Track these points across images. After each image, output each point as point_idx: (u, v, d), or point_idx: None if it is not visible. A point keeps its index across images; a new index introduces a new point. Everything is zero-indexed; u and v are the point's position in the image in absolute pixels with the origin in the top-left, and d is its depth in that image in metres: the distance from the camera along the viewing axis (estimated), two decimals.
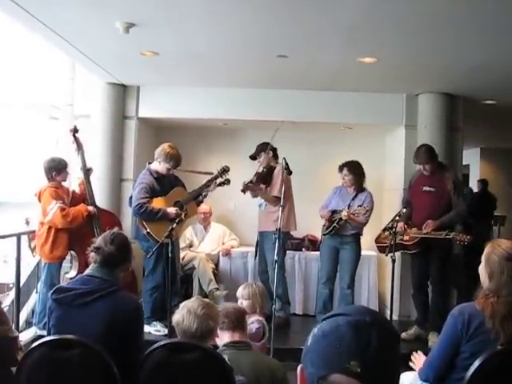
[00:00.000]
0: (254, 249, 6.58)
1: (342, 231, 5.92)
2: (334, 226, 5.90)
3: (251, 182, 6.19)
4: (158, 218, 5.61)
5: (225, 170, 6.01)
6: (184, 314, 2.85)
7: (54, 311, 3.16)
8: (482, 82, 5.99)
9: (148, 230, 5.62)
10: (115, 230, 3.42)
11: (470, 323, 2.77)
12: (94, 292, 3.09)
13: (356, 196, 6.01)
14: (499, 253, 2.84)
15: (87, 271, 3.27)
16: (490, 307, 2.74)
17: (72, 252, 5.65)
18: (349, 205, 5.94)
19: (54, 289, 3.23)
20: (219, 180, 6.00)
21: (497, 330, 2.71)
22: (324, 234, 6.11)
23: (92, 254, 3.23)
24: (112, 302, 3.09)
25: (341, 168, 6.06)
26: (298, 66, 5.64)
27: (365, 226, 6.01)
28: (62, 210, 5.47)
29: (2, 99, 9.67)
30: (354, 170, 6.00)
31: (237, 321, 3.15)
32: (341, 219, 5.83)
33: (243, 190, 6.16)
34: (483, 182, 10.71)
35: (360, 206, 5.85)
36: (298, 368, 1.22)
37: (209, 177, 6.01)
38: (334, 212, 5.99)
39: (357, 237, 6.01)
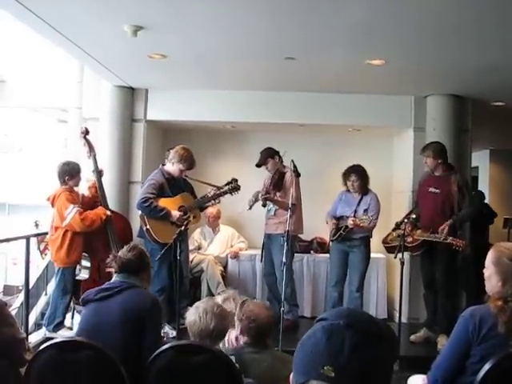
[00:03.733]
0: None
1: (351, 235, 5.92)
2: (341, 233, 5.91)
3: (267, 192, 6.17)
4: (161, 216, 5.63)
5: (235, 189, 6.01)
6: (200, 313, 2.88)
7: (82, 313, 3.44)
8: (491, 83, 5.97)
9: (148, 227, 5.64)
10: (132, 243, 3.74)
11: (482, 326, 2.73)
12: (114, 288, 3.30)
13: (361, 199, 6.00)
14: (509, 255, 2.80)
15: (112, 280, 3.47)
16: (509, 312, 2.70)
17: (85, 254, 5.65)
18: (355, 210, 5.94)
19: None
20: (228, 186, 6.01)
21: None
22: (332, 240, 6.11)
23: (113, 264, 3.45)
24: (129, 295, 3.27)
25: (347, 175, 6.03)
26: (305, 68, 5.64)
27: (373, 229, 6.00)
28: (81, 213, 5.46)
29: (11, 102, 9.72)
30: (361, 174, 5.99)
31: (265, 331, 3.12)
32: (347, 227, 5.83)
33: (264, 205, 6.15)
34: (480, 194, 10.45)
35: (366, 210, 5.86)
36: (291, 375, 1.22)
37: (218, 186, 6.02)
38: (340, 218, 5.99)
39: (366, 240, 6.00)
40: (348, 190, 6.12)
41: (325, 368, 1.11)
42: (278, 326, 5.02)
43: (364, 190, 6.04)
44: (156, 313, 3.30)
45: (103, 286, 3.35)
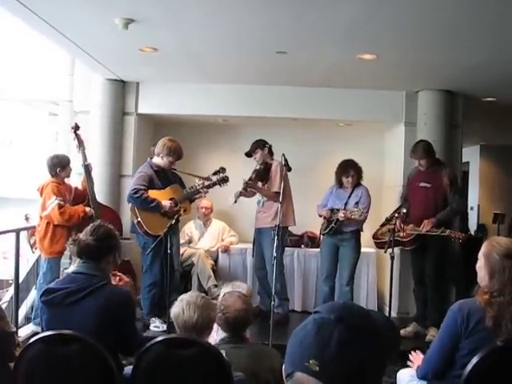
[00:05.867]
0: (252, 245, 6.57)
1: (342, 228, 5.92)
2: (332, 227, 5.91)
3: (250, 179, 6.17)
4: (151, 207, 5.62)
5: (224, 180, 6.03)
6: (183, 305, 2.86)
7: (44, 313, 3.14)
8: (482, 79, 5.99)
9: (139, 219, 5.63)
10: (98, 222, 3.39)
11: (470, 319, 2.76)
12: (82, 289, 3.05)
13: (352, 192, 6.00)
14: (499, 251, 2.82)
15: (73, 268, 3.24)
16: (496, 307, 2.73)
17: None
18: (346, 203, 5.94)
19: (42, 291, 3.18)
20: (216, 177, 6.02)
21: (501, 329, 2.69)
22: (323, 234, 6.12)
23: (71, 247, 3.21)
24: (101, 297, 3.05)
25: (344, 170, 5.98)
26: (297, 62, 5.63)
27: (364, 223, 6.01)
28: (60, 207, 5.51)
29: (1, 95, 9.64)
30: (359, 169, 5.99)
31: (237, 324, 3.09)
32: (338, 220, 5.83)
33: (245, 189, 6.13)
34: None
35: (357, 202, 5.87)
36: (283, 365, 1.22)
37: (206, 176, 6.02)
38: (331, 210, 5.99)
39: (356, 233, 6.01)
40: (340, 186, 6.11)
41: (310, 362, 1.11)
42: (269, 320, 5.05)
43: (356, 183, 6.04)
44: (131, 311, 3.21)
45: (70, 288, 3.06)
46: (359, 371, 1.14)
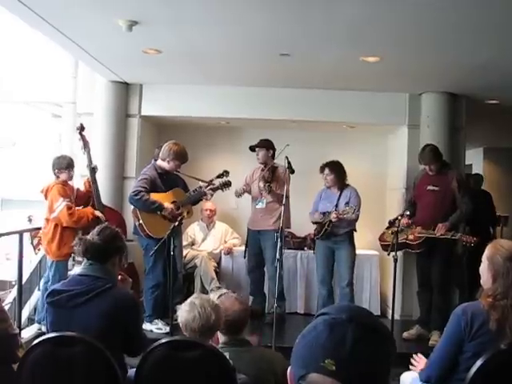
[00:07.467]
0: None
1: (335, 231, 5.92)
2: (326, 230, 5.91)
3: (268, 182, 6.17)
4: (153, 208, 5.62)
5: (226, 185, 6.07)
6: (198, 308, 2.83)
7: (49, 314, 3.16)
8: (486, 81, 5.98)
9: (140, 222, 5.64)
10: (105, 224, 3.43)
11: (473, 323, 2.76)
12: (87, 292, 3.07)
13: (341, 194, 6.02)
14: (503, 254, 2.82)
15: (79, 270, 3.25)
16: (500, 310, 2.72)
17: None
18: (336, 205, 5.95)
19: (47, 292, 3.20)
20: (219, 181, 6.03)
21: (505, 332, 2.69)
22: (317, 238, 6.12)
23: (76, 248, 3.22)
24: (106, 300, 3.06)
25: (322, 169, 6.09)
26: (300, 64, 5.63)
27: (357, 222, 5.99)
28: (69, 208, 5.48)
29: (5, 97, 9.66)
30: (335, 168, 6.02)
31: (238, 325, 3.08)
32: (331, 222, 5.83)
33: (269, 191, 6.15)
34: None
35: (347, 203, 5.87)
36: (288, 368, 1.22)
37: (209, 180, 6.04)
38: (323, 214, 5.99)
39: (350, 234, 6.01)
40: (327, 186, 6.14)
41: (326, 361, 1.11)
42: (262, 320, 5.02)
43: (341, 184, 6.06)
44: (136, 314, 3.22)
45: (76, 291, 3.07)
46: (373, 369, 1.15)
